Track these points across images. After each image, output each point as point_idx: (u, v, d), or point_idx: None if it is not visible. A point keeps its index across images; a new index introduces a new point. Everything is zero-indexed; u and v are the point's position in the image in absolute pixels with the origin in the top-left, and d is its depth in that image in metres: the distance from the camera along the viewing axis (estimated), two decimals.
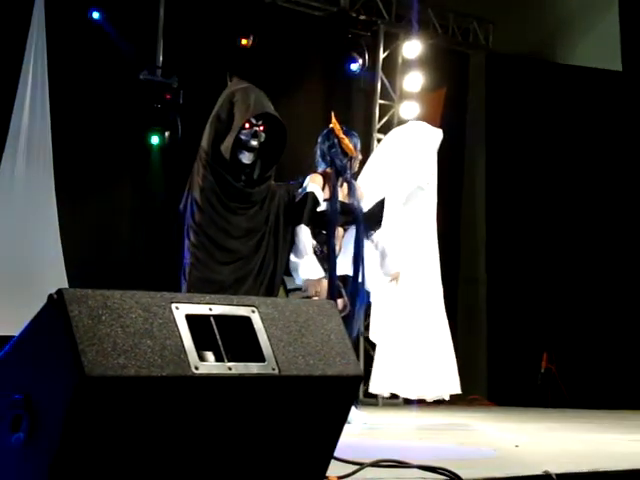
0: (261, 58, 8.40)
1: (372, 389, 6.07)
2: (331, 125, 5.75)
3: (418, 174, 6.18)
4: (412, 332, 5.97)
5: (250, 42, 8.13)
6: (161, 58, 7.97)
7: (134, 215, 8.12)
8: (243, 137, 5.32)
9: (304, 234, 5.46)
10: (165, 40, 7.96)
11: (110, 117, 7.76)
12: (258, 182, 5.46)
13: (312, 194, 5.52)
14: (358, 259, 5.56)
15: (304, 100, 8.91)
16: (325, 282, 5.45)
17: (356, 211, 5.62)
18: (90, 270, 7.62)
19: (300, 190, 5.58)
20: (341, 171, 5.65)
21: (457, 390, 6.07)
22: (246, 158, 5.35)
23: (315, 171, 5.66)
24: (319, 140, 5.77)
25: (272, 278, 5.44)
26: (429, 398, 6.09)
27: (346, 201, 5.64)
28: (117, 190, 8.05)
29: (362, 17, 9.05)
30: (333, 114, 5.82)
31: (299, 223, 5.46)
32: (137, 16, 7.90)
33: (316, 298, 5.32)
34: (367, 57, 9.07)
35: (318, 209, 5.51)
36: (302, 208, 5.48)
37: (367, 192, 5.84)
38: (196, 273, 5.33)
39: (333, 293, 5.36)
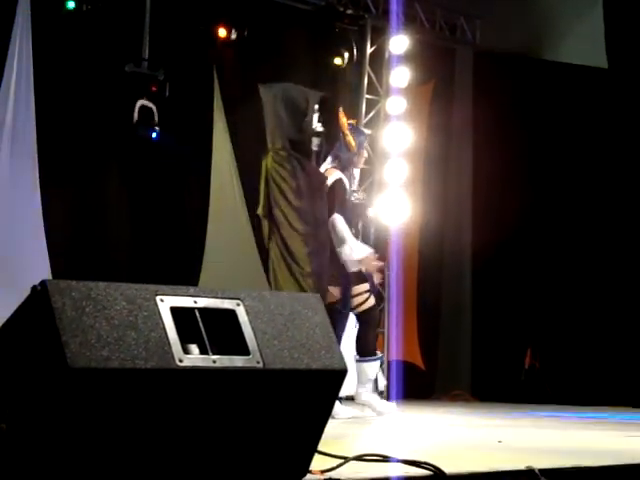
0: (247, 52, 8.38)
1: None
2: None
3: None
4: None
5: (233, 35, 8.12)
6: (147, 50, 7.93)
7: (119, 207, 8.09)
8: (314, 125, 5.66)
9: (340, 222, 5.66)
10: (151, 32, 7.93)
11: (95, 109, 7.73)
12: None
13: (339, 181, 5.74)
14: None
15: None
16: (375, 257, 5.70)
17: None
18: (74, 262, 7.59)
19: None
20: (345, 165, 5.86)
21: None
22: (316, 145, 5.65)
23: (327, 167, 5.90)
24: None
25: None
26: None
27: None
28: (101, 182, 8.01)
29: (349, 11, 9.02)
30: (341, 109, 6.00)
31: (332, 214, 5.63)
32: (123, 8, 7.86)
33: (378, 274, 5.72)
34: (354, 52, 9.05)
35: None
36: (333, 198, 5.64)
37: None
38: None
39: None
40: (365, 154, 6.09)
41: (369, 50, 9.33)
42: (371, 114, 9.35)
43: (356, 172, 6.35)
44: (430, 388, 9.33)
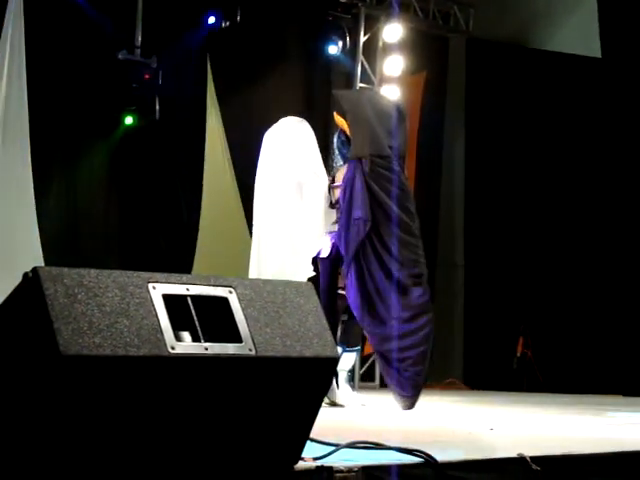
0: (241, 40, 8.36)
1: None
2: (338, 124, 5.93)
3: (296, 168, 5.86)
4: None
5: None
6: (140, 38, 7.90)
7: (111, 195, 8.08)
8: None
9: None
10: (144, 19, 7.90)
11: (88, 97, 7.70)
12: None
13: None
14: None
15: (284, 83, 8.88)
16: None
17: None
18: (67, 249, 7.59)
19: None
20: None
21: None
22: None
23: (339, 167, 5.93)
24: (334, 139, 6.01)
25: None
26: None
27: None
28: (94, 170, 7.99)
29: (343, 0, 9.01)
30: (335, 113, 5.96)
31: None
32: None
33: None
34: (347, 40, 9.04)
35: None
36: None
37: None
38: None
39: None
40: None
41: (362, 39, 9.32)
42: None
43: None
44: None
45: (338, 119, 5.93)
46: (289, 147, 5.71)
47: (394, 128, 5.49)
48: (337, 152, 6.03)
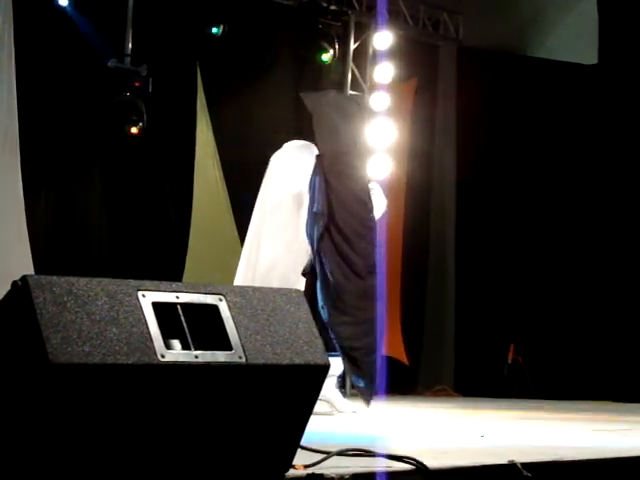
0: (231, 48, 8.36)
1: None
2: None
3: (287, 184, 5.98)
4: None
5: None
6: (130, 45, 7.90)
7: (101, 203, 8.06)
8: None
9: None
10: (134, 27, 7.89)
11: (77, 105, 7.69)
12: None
13: None
14: None
15: (274, 90, 8.88)
16: None
17: None
18: (57, 257, 7.56)
19: None
20: None
21: None
22: None
23: None
24: None
25: None
26: None
27: None
28: (84, 178, 7.98)
29: (332, 7, 9.01)
30: None
31: None
32: (106, 3, 7.82)
33: None
34: (337, 47, 9.04)
35: None
36: None
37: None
38: None
39: None
40: None
41: (353, 46, 9.33)
42: None
43: None
44: (413, 383, 9.35)
45: None
46: (293, 172, 5.80)
47: (356, 126, 5.74)
48: None
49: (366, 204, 5.73)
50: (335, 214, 5.57)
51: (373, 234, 5.73)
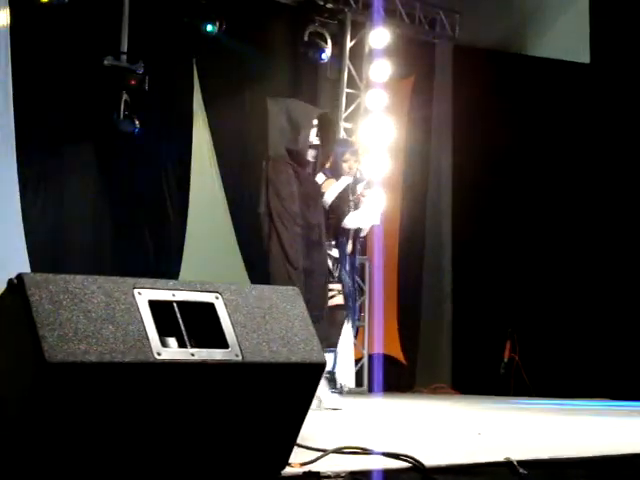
0: (228, 46, 8.35)
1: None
2: None
3: None
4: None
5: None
6: (126, 43, 7.88)
7: (98, 201, 8.04)
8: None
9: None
10: (130, 25, 7.88)
11: (74, 103, 7.67)
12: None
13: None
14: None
15: (271, 88, 8.88)
16: None
17: None
18: (53, 256, 7.55)
19: None
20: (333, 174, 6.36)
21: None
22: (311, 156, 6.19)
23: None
24: None
25: None
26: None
27: None
28: (80, 174, 7.96)
29: (329, 5, 9.01)
30: None
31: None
32: (102, 0, 7.81)
33: None
34: (334, 46, 9.04)
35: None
36: None
37: None
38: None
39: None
40: (350, 164, 6.37)
41: (349, 44, 9.33)
42: (351, 108, 9.36)
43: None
44: (411, 381, 9.36)
45: None
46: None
47: (305, 134, 6.02)
48: None
49: (310, 206, 6.01)
50: (278, 214, 5.88)
51: (312, 232, 5.97)
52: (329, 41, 8.89)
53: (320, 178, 6.23)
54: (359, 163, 6.52)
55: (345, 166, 6.31)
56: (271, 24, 8.95)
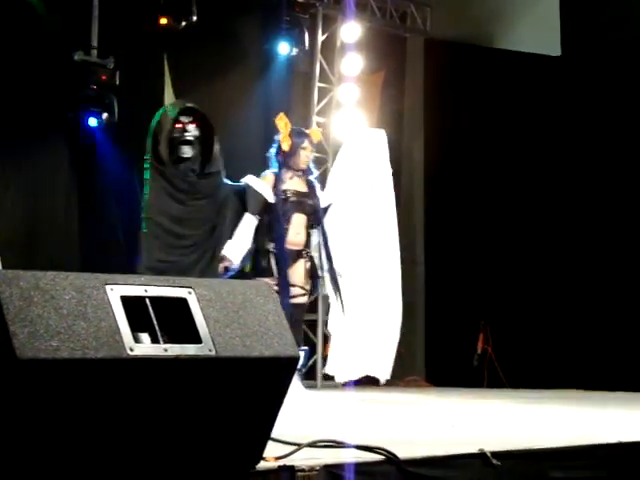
0: (198, 40, 8.31)
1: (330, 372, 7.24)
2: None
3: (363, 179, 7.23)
4: (368, 322, 7.09)
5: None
6: (96, 38, 7.83)
7: (68, 197, 7.99)
8: (177, 134, 6.43)
9: (243, 220, 6.30)
10: (100, 20, 7.82)
11: (44, 98, 7.62)
12: (204, 176, 6.52)
13: (247, 185, 6.36)
14: (326, 245, 6.47)
15: (241, 83, 8.86)
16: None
17: (314, 205, 6.45)
18: (25, 251, 7.50)
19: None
20: (283, 166, 6.45)
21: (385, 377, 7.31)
22: (185, 152, 6.37)
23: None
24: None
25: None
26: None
27: (302, 194, 6.47)
28: (51, 170, 7.91)
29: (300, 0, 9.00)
30: (282, 114, 6.59)
31: (245, 212, 6.32)
32: None
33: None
34: (305, 40, 9.02)
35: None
36: (244, 199, 6.35)
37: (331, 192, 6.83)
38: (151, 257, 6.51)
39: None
40: (307, 154, 6.50)
41: (321, 38, 9.32)
42: (323, 102, 9.35)
43: (314, 170, 6.76)
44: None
45: (279, 123, 6.49)
46: None
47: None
48: (270, 156, 6.58)
49: (182, 203, 6.57)
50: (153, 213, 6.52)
51: (185, 230, 6.51)
52: (304, 36, 8.88)
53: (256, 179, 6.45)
54: (313, 154, 6.68)
55: (303, 154, 6.44)
56: (242, 18, 8.92)
